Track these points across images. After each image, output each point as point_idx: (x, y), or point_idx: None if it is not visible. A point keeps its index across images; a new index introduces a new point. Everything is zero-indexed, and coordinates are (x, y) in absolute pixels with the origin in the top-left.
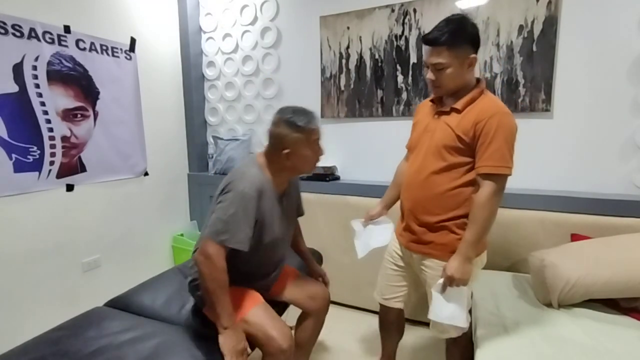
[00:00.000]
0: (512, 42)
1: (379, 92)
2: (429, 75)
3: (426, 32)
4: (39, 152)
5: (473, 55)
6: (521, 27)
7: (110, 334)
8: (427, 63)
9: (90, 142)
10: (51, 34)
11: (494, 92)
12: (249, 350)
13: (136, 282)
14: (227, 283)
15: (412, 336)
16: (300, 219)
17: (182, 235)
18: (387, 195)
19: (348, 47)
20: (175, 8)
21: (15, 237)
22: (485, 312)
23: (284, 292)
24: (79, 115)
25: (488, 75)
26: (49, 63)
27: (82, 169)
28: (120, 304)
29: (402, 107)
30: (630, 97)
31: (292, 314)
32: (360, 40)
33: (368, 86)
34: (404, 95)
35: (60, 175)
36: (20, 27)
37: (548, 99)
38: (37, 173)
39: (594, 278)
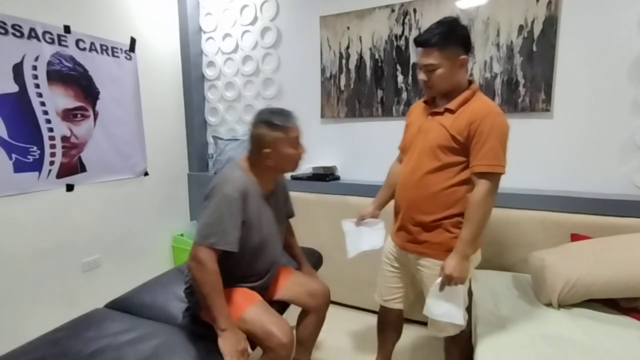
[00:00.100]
0: (512, 42)
1: (379, 92)
2: (421, 76)
3: None
4: (39, 152)
5: (464, 56)
6: (521, 27)
7: (110, 334)
8: (419, 64)
9: (90, 142)
10: (51, 34)
11: (494, 92)
12: (249, 350)
13: (136, 282)
14: (221, 286)
15: (410, 335)
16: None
17: (182, 235)
18: (379, 195)
19: (348, 47)
20: (175, 8)
21: (15, 237)
22: (485, 312)
23: (283, 292)
24: (79, 115)
25: (488, 75)
26: (49, 63)
27: (82, 169)
28: (121, 306)
29: (402, 107)
30: (630, 97)
31: (292, 314)
32: (360, 40)
33: (368, 86)
34: (404, 95)
35: (60, 175)
36: (20, 27)
37: (548, 99)
38: (37, 173)
39: (594, 278)
